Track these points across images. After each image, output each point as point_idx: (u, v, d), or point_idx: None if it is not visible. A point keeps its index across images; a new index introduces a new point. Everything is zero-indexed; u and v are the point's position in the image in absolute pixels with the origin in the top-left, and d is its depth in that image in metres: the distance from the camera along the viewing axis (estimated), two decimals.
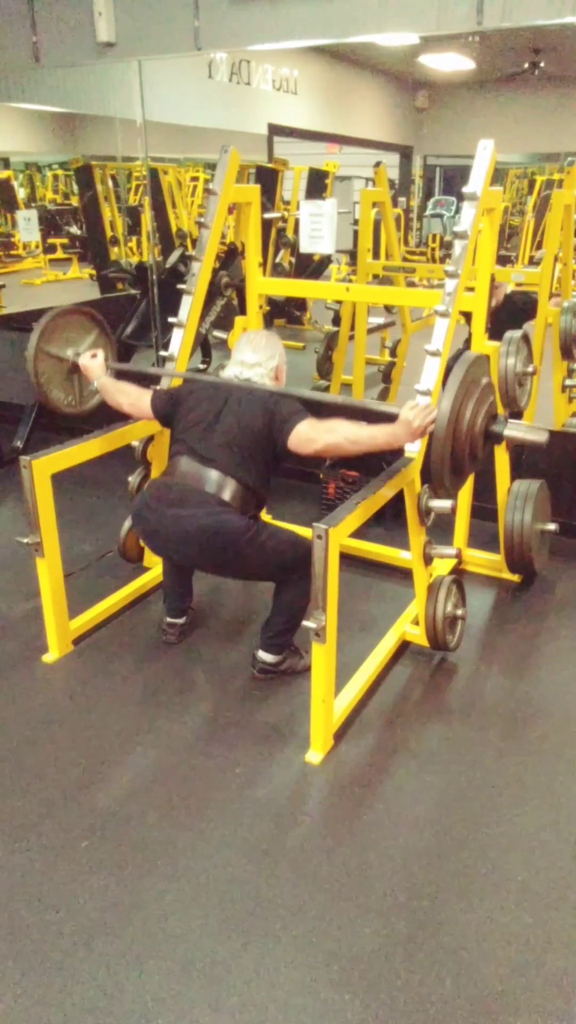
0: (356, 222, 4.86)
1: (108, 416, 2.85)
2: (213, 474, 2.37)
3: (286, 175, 6.45)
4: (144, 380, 2.81)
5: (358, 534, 2.78)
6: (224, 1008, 1.60)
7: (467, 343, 3.01)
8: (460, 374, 2.12)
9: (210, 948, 1.72)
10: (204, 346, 5.20)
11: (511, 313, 4.03)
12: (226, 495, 2.35)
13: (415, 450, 2.50)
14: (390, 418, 2.27)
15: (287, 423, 2.33)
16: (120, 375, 2.84)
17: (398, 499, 2.49)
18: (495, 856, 1.97)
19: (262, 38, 3.81)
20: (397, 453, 2.54)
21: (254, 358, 2.54)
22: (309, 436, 2.31)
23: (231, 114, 5.53)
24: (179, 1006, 1.60)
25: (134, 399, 2.67)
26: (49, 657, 2.75)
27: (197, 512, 2.31)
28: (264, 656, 2.60)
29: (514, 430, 2.26)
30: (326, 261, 6.97)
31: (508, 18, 3.24)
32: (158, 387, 2.79)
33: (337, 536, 2.09)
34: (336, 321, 5.36)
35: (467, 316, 2.97)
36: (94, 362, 2.80)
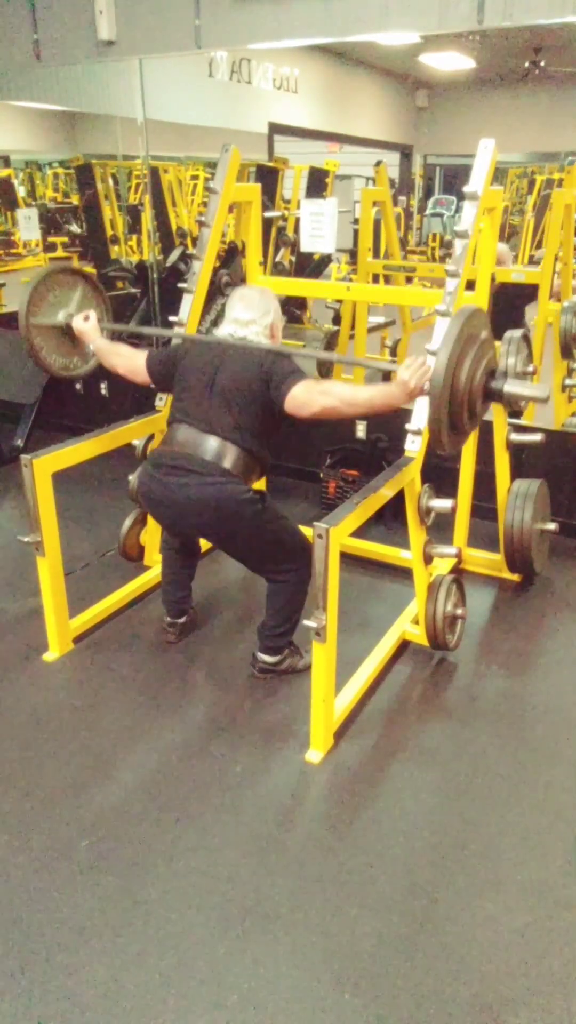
0: (356, 221, 4.86)
1: (108, 416, 2.84)
2: (212, 441, 2.32)
3: (286, 174, 6.44)
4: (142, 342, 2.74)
5: (358, 533, 2.78)
6: (224, 1008, 1.60)
7: None
8: (457, 328, 1.98)
9: (210, 947, 1.72)
10: None
11: (502, 308, 4.04)
12: (227, 463, 2.30)
13: (416, 449, 2.51)
14: (389, 378, 2.20)
15: (283, 385, 2.25)
16: (115, 336, 2.78)
17: (398, 498, 2.49)
18: (495, 855, 1.97)
19: (263, 37, 3.81)
20: (398, 453, 2.53)
21: (248, 315, 2.43)
22: (305, 400, 2.23)
23: (232, 113, 5.52)
24: (179, 1005, 1.60)
25: (128, 360, 2.62)
26: (49, 656, 2.75)
27: (200, 481, 2.28)
28: (264, 657, 2.61)
29: (514, 386, 2.14)
30: (326, 260, 6.96)
31: (509, 17, 3.24)
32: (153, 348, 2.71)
33: (337, 535, 2.09)
34: (336, 320, 5.35)
35: None
36: (87, 325, 2.76)
